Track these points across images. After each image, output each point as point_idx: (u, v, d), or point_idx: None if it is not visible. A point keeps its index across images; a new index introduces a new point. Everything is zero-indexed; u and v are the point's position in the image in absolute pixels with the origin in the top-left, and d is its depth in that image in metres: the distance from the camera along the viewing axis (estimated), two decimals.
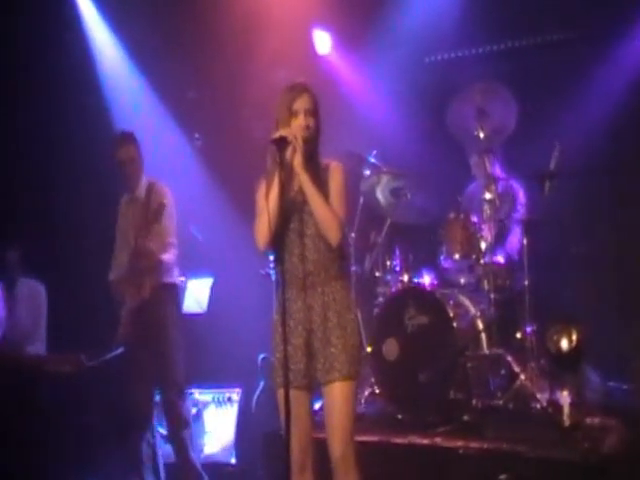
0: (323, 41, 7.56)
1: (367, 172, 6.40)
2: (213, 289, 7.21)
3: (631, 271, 6.31)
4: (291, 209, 3.94)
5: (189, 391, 5.94)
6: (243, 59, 7.25)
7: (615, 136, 6.53)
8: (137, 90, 7.39)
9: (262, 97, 6.28)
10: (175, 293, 5.76)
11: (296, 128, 3.88)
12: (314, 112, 3.94)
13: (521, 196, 6.35)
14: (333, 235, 3.89)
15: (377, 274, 6.35)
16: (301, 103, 3.92)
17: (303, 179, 3.87)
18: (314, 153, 3.97)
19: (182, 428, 5.58)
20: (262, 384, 6.27)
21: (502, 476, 4.63)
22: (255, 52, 7.19)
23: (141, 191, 5.67)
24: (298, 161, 3.85)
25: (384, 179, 6.41)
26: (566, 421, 5.08)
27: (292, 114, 3.92)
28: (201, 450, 6.16)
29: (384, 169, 6.38)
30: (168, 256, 5.59)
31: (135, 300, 5.50)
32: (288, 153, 3.85)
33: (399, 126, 7.05)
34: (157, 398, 5.74)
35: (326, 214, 3.88)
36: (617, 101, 6.48)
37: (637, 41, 6.60)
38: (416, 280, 6.08)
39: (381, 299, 6.17)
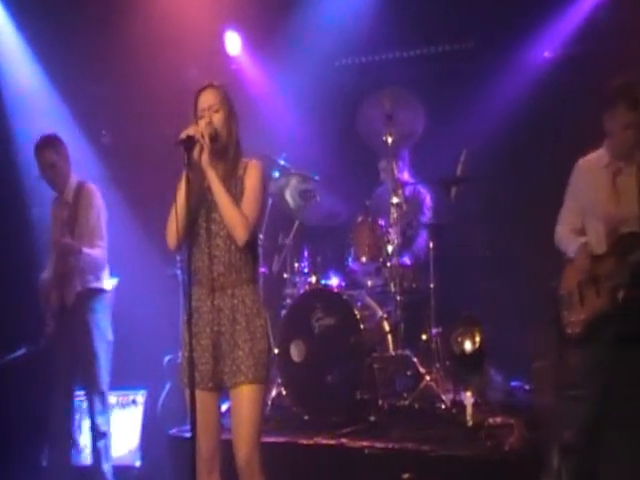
0: (234, 42, 7.54)
1: (276, 174, 6.43)
2: (118, 289, 7.09)
3: (532, 274, 6.48)
4: (201, 209, 3.92)
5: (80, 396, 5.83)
6: (156, 57, 7.16)
7: (514, 142, 6.71)
8: (39, 87, 7.19)
9: (174, 95, 6.24)
10: (102, 298, 5.57)
11: (201, 126, 3.86)
12: (219, 107, 3.93)
13: (428, 200, 6.48)
14: (238, 234, 3.86)
15: (285, 276, 6.38)
16: (204, 101, 3.93)
17: (210, 177, 3.85)
18: (229, 149, 3.95)
19: (99, 438, 5.50)
20: (168, 386, 6.21)
21: (405, 475, 4.70)
22: (168, 50, 7.11)
23: (69, 192, 5.55)
24: (205, 159, 3.83)
25: (293, 181, 6.45)
26: (469, 421, 5.20)
27: (198, 114, 3.92)
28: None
29: (293, 171, 6.42)
30: (96, 257, 5.47)
31: (58, 304, 5.40)
32: (195, 152, 3.83)
33: (309, 129, 7.09)
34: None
35: (232, 212, 3.85)
36: (516, 108, 6.65)
37: (533, 50, 6.78)
38: (324, 282, 6.13)
39: (289, 301, 6.19)
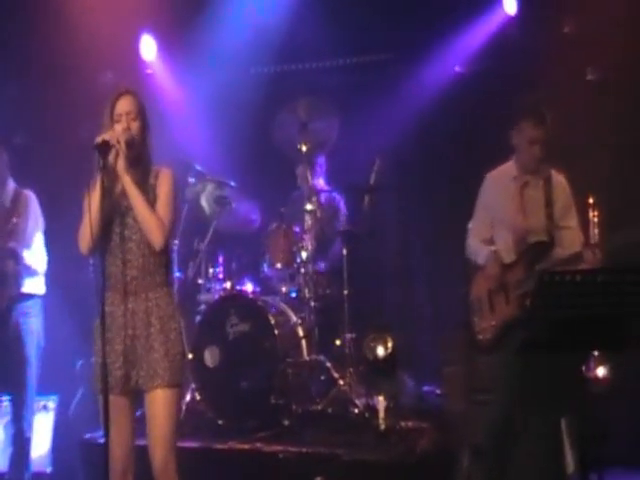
0: (149, 47, 7.47)
1: (192, 180, 6.42)
2: None
3: (442, 282, 6.64)
4: (115, 213, 3.91)
5: (3, 400, 5.73)
6: (71, 59, 7.07)
7: (425, 153, 6.87)
8: None
9: (89, 99, 6.16)
10: (36, 303, 5.46)
11: (118, 132, 3.86)
12: (137, 115, 3.93)
13: (342, 208, 6.56)
14: (155, 238, 3.88)
15: (200, 281, 6.36)
16: (122, 106, 3.92)
17: (125, 181, 3.85)
18: (142, 157, 3.95)
19: (23, 444, 5.40)
20: (81, 391, 6.13)
21: (317, 478, 4.76)
22: (83, 53, 7.02)
23: (7, 198, 5.45)
24: (121, 165, 3.83)
25: (209, 187, 6.46)
26: (382, 425, 5.29)
27: (114, 118, 3.91)
28: None
29: (209, 177, 6.43)
30: (33, 263, 5.38)
31: None
32: (111, 157, 3.82)
33: (224, 135, 7.08)
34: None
35: (149, 217, 3.87)
36: (428, 120, 6.79)
37: (446, 63, 6.91)
38: (238, 288, 6.14)
39: (203, 306, 6.19)
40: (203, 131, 7.18)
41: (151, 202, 3.90)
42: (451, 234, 6.39)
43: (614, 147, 6.08)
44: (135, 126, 3.92)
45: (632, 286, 3.59)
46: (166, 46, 7.44)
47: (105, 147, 3.78)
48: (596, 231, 4.55)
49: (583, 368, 4.95)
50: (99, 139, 3.79)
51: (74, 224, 3.93)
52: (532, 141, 4.60)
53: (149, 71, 7.55)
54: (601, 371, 5.41)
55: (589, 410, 4.59)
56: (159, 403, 3.85)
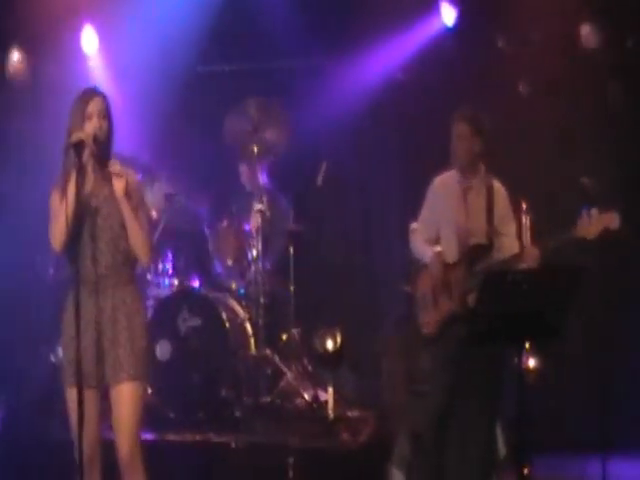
0: (91, 40, 7.37)
1: (139, 176, 6.51)
2: None
3: (382, 279, 6.92)
4: (85, 213, 4.01)
5: None
6: (13, 50, 7.07)
7: (363, 152, 7.09)
8: None
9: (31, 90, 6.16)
10: None
11: (90, 129, 3.96)
12: (106, 116, 4.04)
13: (290, 208, 6.76)
14: (144, 255, 4.06)
15: (149, 277, 6.46)
16: (94, 106, 4.01)
17: (123, 205, 3.97)
18: (107, 156, 4.07)
19: None
20: (31, 386, 6.21)
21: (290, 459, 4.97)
22: (26, 43, 7.03)
23: None
24: (119, 188, 3.95)
25: (157, 183, 6.57)
26: (330, 415, 5.55)
27: (86, 118, 4.00)
28: None
29: (157, 174, 6.54)
30: None
31: None
32: (85, 156, 3.93)
33: (173, 132, 7.14)
34: None
35: (140, 238, 4.02)
36: (360, 126, 7.00)
37: (379, 70, 7.05)
38: (190, 283, 6.31)
39: (152, 302, 6.29)
40: (151, 128, 7.15)
41: (111, 198, 4.01)
42: (392, 233, 6.72)
43: (545, 157, 6.45)
44: (106, 125, 4.02)
45: (557, 284, 3.97)
46: (108, 40, 7.36)
47: (80, 146, 3.88)
48: (529, 236, 4.90)
49: (516, 359, 5.26)
50: (75, 138, 3.89)
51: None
52: (459, 136, 4.87)
53: (90, 64, 7.45)
54: (532, 362, 5.79)
55: (521, 398, 4.88)
56: (125, 396, 3.98)
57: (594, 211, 4.42)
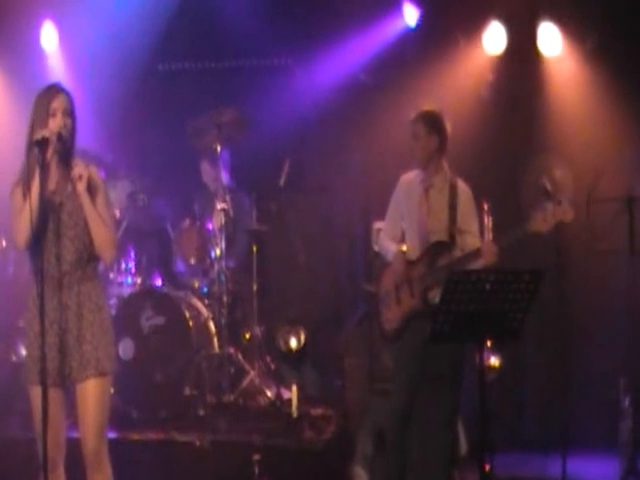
0: (50, 36, 7.28)
1: (102, 174, 6.49)
2: None
3: (345, 278, 6.97)
4: (49, 210, 3.99)
5: None
6: None
7: (321, 154, 7.12)
8: None
9: None
10: None
11: (56, 127, 3.94)
12: (71, 113, 4.04)
13: (252, 207, 6.77)
14: (108, 255, 4.05)
15: (111, 275, 6.45)
16: (58, 103, 4.00)
17: (85, 202, 3.97)
18: (70, 154, 4.05)
19: None
20: None
21: (255, 456, 4.99)
22: None
23: None
24: (81, 188, 3.95)
25: (120, 182, 6.56)
26: (294, 412, 5.57)
27: (50, 115, 3.98)
28: None
29: (120, 172, 6.53)
30: None
31: None
32: (49, 153, 3.92)
33: (136, 130, 7.14)
34: None
35: (104, 236, 4.01)
36: (320, 126, 7.07)
37: (340, 68, 7.04)
38: (153, 282, 6.31)
39: (114, 300, 6.29)
40: (111, 126, 7.10)
41: (74, 198, 4.00)
42: (351, 232, 6.78)
43: (504, 157, 6.55)
44: (70, 123, 4.01)
45: (519, 285, 4.04)
46: (68, 36, 7.28)
47: (45, 143, 3.86)
48: (490, 235, 4.98)
49: (477, 357, 5.33)
50: (39, 135, 3.87)
51: None
52: (416, 135, 4.94)
53: (50, 61, 7.38)
54: (493, 360, 5.87)
55: (482, 396, 4.95)
56: (90, 392, 3.97)
57: (548, 205, 4.52)
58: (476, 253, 4.81)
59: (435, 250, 4.95)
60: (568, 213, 4.50)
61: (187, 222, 6.43)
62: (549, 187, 4.97)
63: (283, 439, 5.30)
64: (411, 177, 5.10)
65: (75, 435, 4.06)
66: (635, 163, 6.13)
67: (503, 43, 6.65)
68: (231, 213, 6.36)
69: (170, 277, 6.52)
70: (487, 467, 4.53)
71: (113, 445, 5.08)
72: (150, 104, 7.26)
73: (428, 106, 5.04)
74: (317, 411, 5.71)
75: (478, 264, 4.79)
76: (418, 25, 6.85)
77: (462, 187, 5.03)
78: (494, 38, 6.65)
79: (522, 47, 6.62)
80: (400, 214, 5.09)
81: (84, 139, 6.47)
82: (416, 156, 4.99)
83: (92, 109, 7.19)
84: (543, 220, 4.51)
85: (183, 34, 7.21)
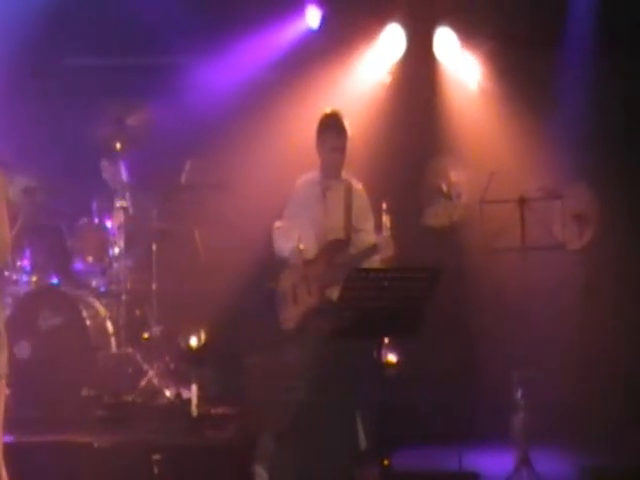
0: None
1: None
2: None
3: (246, 277, 6.97)
4: None
5: None
6: None
7: (224, 153, 7.03)
8: None
9: None
10: None
11: None
12: None
13: (153, 206, 6.71)
14: (1, 254, 3.90)
15: (6, 273, 6.27)
16: None
17: None
18: None
19: None
20: None
21: (156, 456, 4.96)
22: None
23: None
24: None
25: (16, 178, 6.41)
26: (194, 412, 5.56)
27: None
28: None
29: (16, 168, 6.37)
30: None
31: None
32: None
33: (35, 125, 6.97)
34: None
35: None
36: (223, 120, 7.01)
37: (240, 68, 7.08)
38: (50, 281, 6.20)
39: (9, 299, 6.14)
40: (9, 120, 6.98)
41: None
42: (255, 231, 6.79)
43: (404, 159, 6.69)
44: None
45: (413, 282, 4.17)
46: None
47: None
48: (388, 233, 5.11)
49: (376, 353, 5.43)
50: None
51: None
52: (333, 149, 5.11)
53: None
54: (390, 356, 5.98)
55: (381, 391, 5.05)
56: None
57: (442, 200, 4.73)
58: (373, 248, 4.97)
59: (332, 248, 5.07)
60: (458, 209, 4.72)
61: (85, 220, 6.33)
62: (444, 188, 5.13)
63: (183, 439, 5.28)
64: (308, 179, 5.21)
65: None
66: (526, 166, 6.37)
67: (402, 46, 6.80)
68: (131, 211, 6.30)
69: (68, 276, 6.40)
70: (386, 461, 4.63)
71: (9, 447, 5.04)
72: (52, 99, 7.12)
73: (332, 109, 5.16)
74: (218, 410, 5.70)
75: (375, 260, 4.94)
76: (320, 27, 6.94)
77: (357, 187, 5.20)
78: (393, 41, 6.80)
79: (420, 51, 6.77)
80: (298, 214, 5.17)
81: None
82: (337, 167, 5.15)
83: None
84: (435, 215, 4.70)
85: (87, 30, 7.11)
